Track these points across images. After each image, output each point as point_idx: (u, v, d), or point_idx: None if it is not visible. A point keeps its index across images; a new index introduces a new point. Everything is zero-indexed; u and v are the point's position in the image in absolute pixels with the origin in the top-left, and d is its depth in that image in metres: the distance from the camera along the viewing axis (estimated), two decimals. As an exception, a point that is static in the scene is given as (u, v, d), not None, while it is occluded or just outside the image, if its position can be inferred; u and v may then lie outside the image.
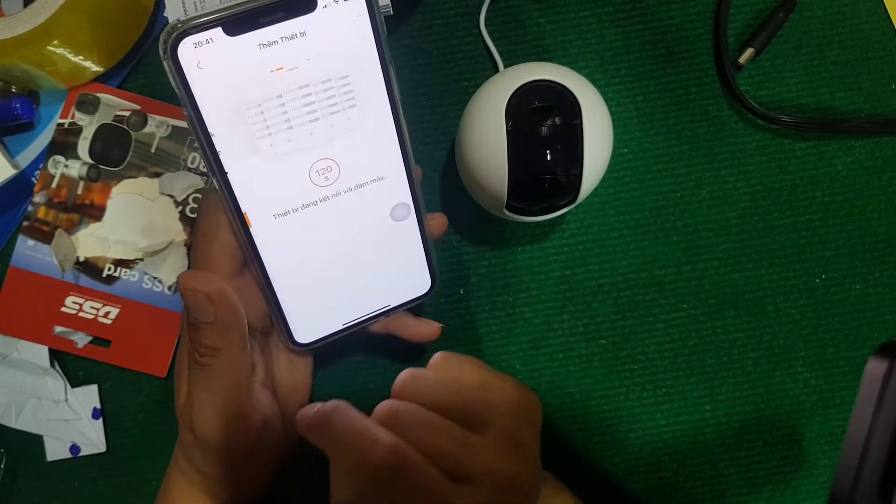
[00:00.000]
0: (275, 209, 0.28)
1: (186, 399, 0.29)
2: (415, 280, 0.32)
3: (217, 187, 0.27)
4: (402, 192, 0.30)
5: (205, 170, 0.42)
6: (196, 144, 0.25)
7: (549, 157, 0.35)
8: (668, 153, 0.44)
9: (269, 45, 0.25)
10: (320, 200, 0.28)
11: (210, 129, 0.25)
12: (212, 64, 0.25)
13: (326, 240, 0.29)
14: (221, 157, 0.26)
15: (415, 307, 0.34)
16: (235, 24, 0.24)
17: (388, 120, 0.28)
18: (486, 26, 0.43)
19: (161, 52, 0.24)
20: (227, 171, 0.26)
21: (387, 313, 0.32)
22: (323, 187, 0.28)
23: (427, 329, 0.34)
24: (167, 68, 0.25)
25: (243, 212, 0.27)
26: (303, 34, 0.25)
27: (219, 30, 0.24)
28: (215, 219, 0.28)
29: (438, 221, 0.33)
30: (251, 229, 0.27)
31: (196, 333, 0.27)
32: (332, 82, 0.26)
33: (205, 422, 0.28)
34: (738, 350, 0.44)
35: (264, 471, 0.33)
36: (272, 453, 0.33)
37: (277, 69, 0.25)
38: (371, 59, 0.26)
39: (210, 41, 0.24)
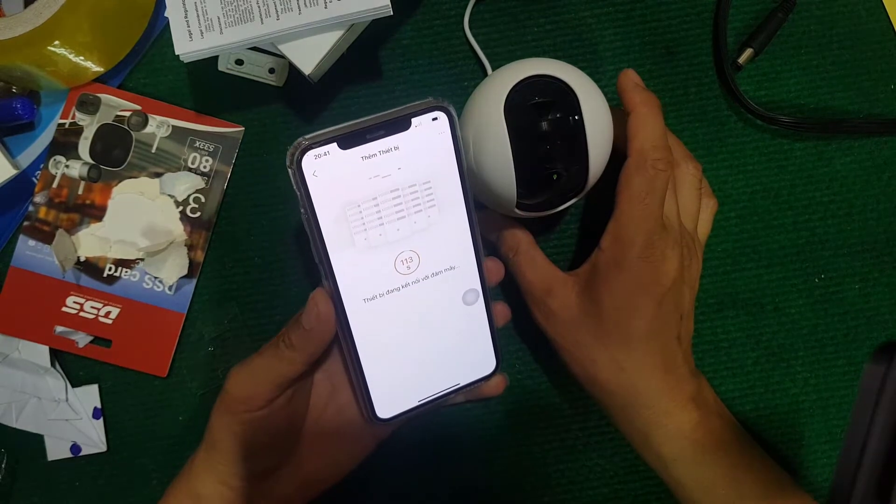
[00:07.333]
0: (364, 294, 0.32)
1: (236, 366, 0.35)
2: (481, 361, 0.36)
3: (323, 275, 0.32)
4: (472, 279, 0.34)
5: (205, 170, 0.43)
6: (310, 237, 0.31)
7: (553, 152, 0.35)
8: (667, 153, 0.44)
9: (370, 157, 0.31)
10: (402, 287, 0.33)
11: (321, 226, 0.30)
12: (325, 172, 0.30)
13: (406, 322, 0.33)
14: (328, 248, 0.31)
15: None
16: (348, 139, 0.30)
17: (462, 217, 0.33)
18: (471, 28, 0.43)
19: (287, 162, 0.30)
20: (331, 261, 0.31)
21: (455, 392, 0.36)
22: (405, 275, 0.33)
23: (492, 384, 0.37)
24: (291, 175, 0.30)
25: (341, 295, 0.32)
26: (396, 148, 0.31)
27: (335, 144, 0.30)
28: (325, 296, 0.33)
29: (501, 311, 0.36)
30: (346, 311, 0.32)
31: (290, 328, 0.33)
32: (417, 187, 0.31)
33: (236, 381, 0.34)
34: (737, 350, 0.44)
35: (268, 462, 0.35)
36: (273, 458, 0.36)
37: (374, 176, 0.31)
38: (450, 167, 0.32)
39: (327, 154, 0.30)
